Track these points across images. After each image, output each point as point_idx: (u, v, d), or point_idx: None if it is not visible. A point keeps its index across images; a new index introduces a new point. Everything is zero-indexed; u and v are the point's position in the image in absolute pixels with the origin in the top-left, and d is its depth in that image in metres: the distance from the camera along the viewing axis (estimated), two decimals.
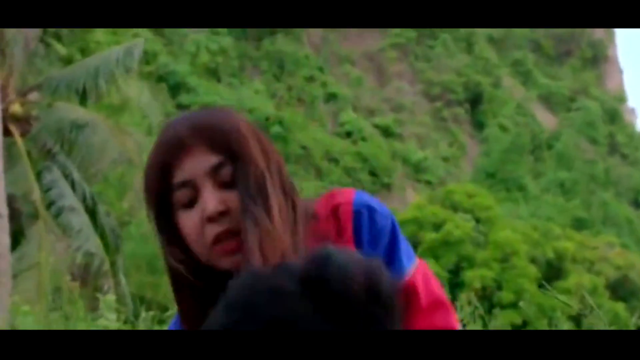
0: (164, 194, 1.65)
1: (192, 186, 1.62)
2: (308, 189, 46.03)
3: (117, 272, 15.09)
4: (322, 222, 1.68)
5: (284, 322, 1.09)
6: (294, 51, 57.64)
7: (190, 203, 1.63)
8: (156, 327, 6.64)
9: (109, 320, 5.85)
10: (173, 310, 6.63)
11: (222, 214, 1.61)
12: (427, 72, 66.22)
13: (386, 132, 58.43)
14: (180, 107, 44.92)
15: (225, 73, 51.62)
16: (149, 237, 26.78)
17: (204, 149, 1.63)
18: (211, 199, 1.61)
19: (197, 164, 1.62)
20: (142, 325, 6.52)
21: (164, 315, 6.82)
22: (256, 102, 49.55)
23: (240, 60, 54.54)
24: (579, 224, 49.37)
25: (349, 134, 54.86)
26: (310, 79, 57.89)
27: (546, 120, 69.52)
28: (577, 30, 76.25)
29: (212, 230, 1.61)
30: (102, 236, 14.87)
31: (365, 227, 1.67)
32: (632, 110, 79.58)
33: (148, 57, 41.82)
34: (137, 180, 15.38)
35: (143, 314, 6.58)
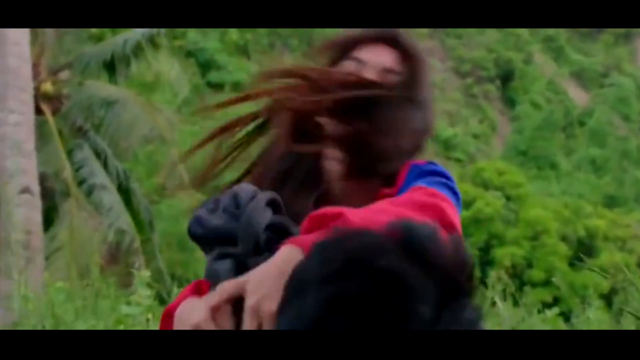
0: (338, 57, 1.80)
1: (361, 66, 1.75)
2: None
3: (152, 249, 15.22)
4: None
5: (390, 274, 1.04)
6: (323, 30, 57.39)
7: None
8: None
9: (142, 297, 5.88)
10: None
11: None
12: (458, 49, 65.80)
13: None
14: (210, 84, 45.02)
15: (255, 50, 51.61)
16: (179, 216, 26.98)
17: (392, 54, 1.76)
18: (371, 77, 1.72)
19: (384, 57, 1.75)
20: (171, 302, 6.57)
21: None
22: None
23: (269, 37, 54.49)
24: (611, 202, 49.01)
25: None
26: None
27: (578, 97, 68.91)
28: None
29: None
30: (134, 214, 14.98)
31: (415, 170, 1.77)
32: None
33: (177, 34, 41.89)
34: (168, 159, 15.44)
35: (175, 290, 6.62)
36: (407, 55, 1.78)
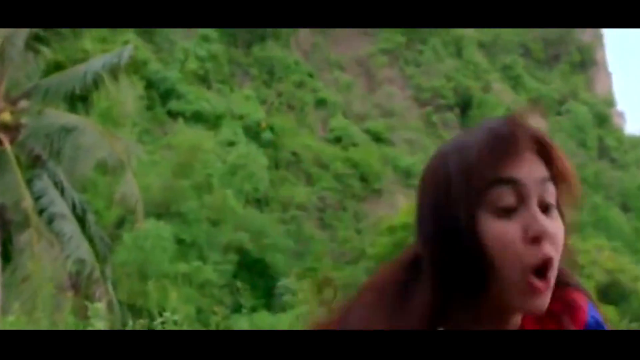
0: (480, 187, 1.36)
1: (519, 191, 1.36)
2: (299, 195, 45.99)
3: (106, 281, 15.06)
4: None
5: None
6: (283, 57, 57.60)
7: (507, 211, 1.36)
8: None
9: (97, 328, 5.81)
10: (162, 318, 6.58)
11: (547, 238, 1.36)
12: (417, 77, 66.25)
13: (376, 137, 58.42)
14: (170, 113, 44.85)
15: (215, 79, 51.56)
16: (141, 246, 26.76)
17: (534, 156, 1.42)
18: (541, 215, 1.36)
19: (531, 169, 1.39)
20: None
21: (152, 323, 6.79)
22: (246, 108, 49.47)
23: (229, 66, 54.47)
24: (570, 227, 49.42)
25: (339, 140, 54.82)
26: (300, 85, 57.84)
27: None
28: (566, 35, 76.49)
29: (538, 252, 1.34)
30: (92, 244, 14.83)
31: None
32: (621, 114, 79.81)
33: (138, 65, 41.75)
34: (125, 187, 15.32)
35: (130, 322, 6.56)
36: (549, 155, 1.44)
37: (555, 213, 1.39)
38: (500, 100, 68.61)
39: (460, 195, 1.36)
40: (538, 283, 1.34)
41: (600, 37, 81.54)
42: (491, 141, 1.38)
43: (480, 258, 1.34)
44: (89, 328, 5.84)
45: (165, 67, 46.58)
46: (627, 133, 76.79)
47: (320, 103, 58.15)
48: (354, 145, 54.44)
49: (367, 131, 58.39)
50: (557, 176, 1.42)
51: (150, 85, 43.97)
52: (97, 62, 14.64)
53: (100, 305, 6.00)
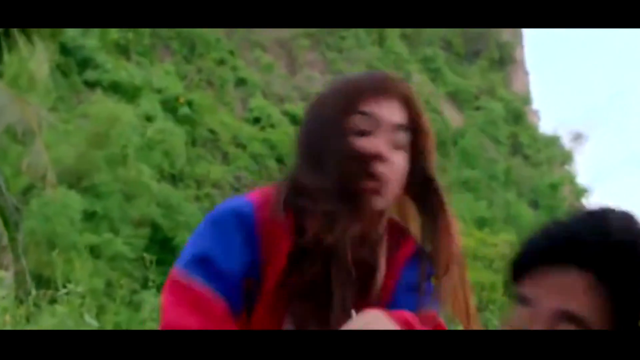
0: (343, 112, 1.73)
1: (375, 124, 1.71)
2: (215, 173, 45.77)
3: (16, 249, 14.75)
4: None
5: None
6: (205, 33, 57.11)
7: (362, 134, 1.71)
8: (47, 306, 6.51)
9: None
10: (68, 288, 6.47)
11: (384, 161, 1.69)
12: (338, 63, 66.48)
13: (295, 120, 58.45)
14: (87, 83, 44.04)
15: (135, 51, 50.83)
16: (50, 215, 26.27)
17: (398, 104, 1.75)
18: (385, 144, 1.70)
19: (391, 111, 1.73)
20: (30, 304, 6.39)
21: (56, 294, 6.71)
22: (165, 82, 48.94)
23: (151, 39, 53.76)
24: (481, 222, 50.40)
25: (257, 120, 54.72)
26: (220, 63, 57.48)
27: (453, 117, 70.67)
28: (486, 32, 77.68)
29: (374, 165, 1.68)
30: (1, 212, 14.50)
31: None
32: (536, 112, 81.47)
33: (55, 30, 40.81)
34: (34, 157, 14.98)
35: (33, 292, 6.45)
36: (412, 109, 1.78)
37: (402, 154, 1.74)
38: (420, 90, 69.30)
39: (327, 118, 1.73)
40: (365, 185, 1.66)
41: (519, 36, 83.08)
42: (363, 80, 1.73)
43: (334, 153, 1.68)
44: None
45: (84, 34, 45.67)
46: (541, 131, 78.47)
47: (240, 82, 57.89)
48: (272, 126, 54.40)
49: (286, 113, 58.40)
50: (415, 128, 1.76)
51: (67, 52, 43.08)
52: None
53: (4, 274, 5.83)
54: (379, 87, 1.74)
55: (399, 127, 1.74)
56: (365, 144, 1.69)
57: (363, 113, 1.72)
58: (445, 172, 63.65)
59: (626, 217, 1.30)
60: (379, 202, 1.69)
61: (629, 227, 1.27)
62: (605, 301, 1.26)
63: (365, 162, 1.67)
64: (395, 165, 1.71)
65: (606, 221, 1.28)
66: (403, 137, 1.74)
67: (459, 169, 63.03)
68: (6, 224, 14.32)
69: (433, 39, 75.74)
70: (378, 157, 1.68)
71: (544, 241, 1.35)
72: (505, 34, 79.73)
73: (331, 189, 1.66)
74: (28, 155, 14.97)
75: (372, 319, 1.38)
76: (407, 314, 1.49)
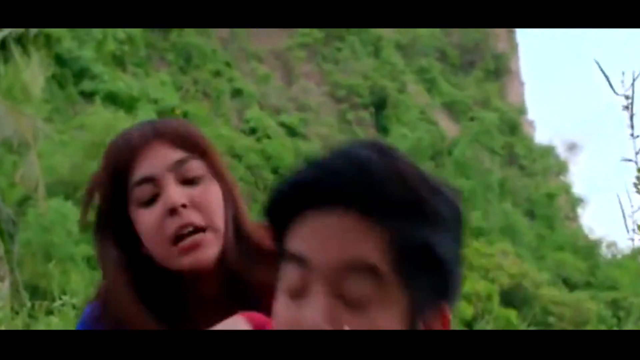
0: (118, 193, 1.59)
1: (154, 182, 1.57)
2: None
3: (12, 261, 14.71)
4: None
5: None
6: (201, 45, 57.20)
7: (151, 200, 1.58)
8: (43, 318, 6.51)
9: None
10: (63, 300, 6.46)
11: (185, 207, 1.56)
12: (334, 74, 66.60)
13: (291, 131, 58.55)
14: (83, 94, 44.07)
15: (131, 62, 50.88)
16: (46, 226, 26.26)
17: (167, 145, 1.60)
18: (174, 191, 1.56)
19: (160, 159, 1.58)
20: (26, 315, 6.39)
21: (52, 305, 6.69)
22: (161, 93, 48.99)
23: (147, 50, 53.84)
24: (476, 232, 50.42)
25: (253, 131, 54.75)
26: (216, 74, 57.56)
27: (449, 128, 70.77)
28: (482, 42, 77.88)
29: (174, 223, 1.56)
30: None
31: None
32: (532, 123, 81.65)
33: (51, 41, 40.84)
34: (27, 169, 14.97)
35: (28, 303, 6.43)
36: (184, 139, 1.63)
37: (205, 182, 1.60)
38: (415, 101, 69.46)
39: (110, 196, 1.61)
40: (182, 246, 1.54)
41: (515, 47, 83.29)
42: (114, 150, 1.62)
43: (135, 243, 1.59)
44: None
45: (81, 45, 45.73)
46: (536, 142, 78.59)
47: (236, 93, 57.96)
48: (268, 137, 54.44)
49: (282, 124, 58.47)
50: (201, 153, 1.61)
51: (63, 63, 43.11)
52: (4, 31, 14.18)
53: (1, 285, 5.84)
54: (139, 146, 1.59)
55: (178, 162, 1.59)
56: (155, 212, 1.57)
57: (137, 182, 1.58)
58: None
59: (382, 150, 1.11)
60: (209, 252, 1.58)
61: (387, 161, 1.10)
62: (388, 244, 1.08)
63: (167, 220, 1.57)
64: (201, 200, 1.59)
65: (363, 155, 1.09)
66: (192, 168, 1.60)
67: (454, 179, 63.07)
68: (2, 235, 14.30)
69: (428, 50, 75.90)
70: (172, 208, 1.56)
71: (302, 181, 1.11)
72: (501, 44, 79.93)
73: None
74: (22, 166, 14.95)
75: (232, 322, 1.32)
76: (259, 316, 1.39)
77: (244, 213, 1.69)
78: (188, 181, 1.59)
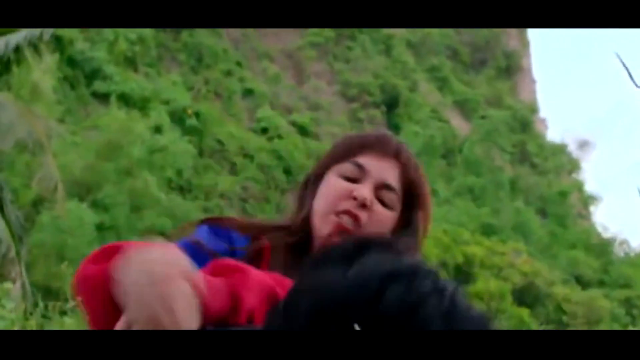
0: (336, 161, 1.83)
1: (363, 177, 1.78)
2: (223, 184, 45.80)
3: (21, 262, 14.73)
4: None
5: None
6: (212, 44, 57.23)
7: (349, 179, 1.79)
8: (56, 318, 6.52)
9: (6, 309, 5.66)
10: (76, 301, 6.51)
11: (365, 207, 1.75)
12: (345, 73, 66.53)
13: (302, 130, 58.53)
14: (95, 94, 44.15)
15: (143, 63, 50.96)
16: (60, 227, 26.32)
17: (397, 170, 1.80)
18: (370, 192, 1.76)
19: (385, 171, 1.78)
20: (39, 315, 6.40)
21: (65, 306, 6.71)
22: (173, 93, 49.04)
23: (158, 50, 53.90)
24: (488, 230, 50.29)
25: (265, 131, 54.73)
26: (228, 74, 57.57)
27: (460, 126, 70.62)
28: (493, 40, 77.69)
29: (350, 205, 1.74)
30: (8, 224, 14.49)
31: None
32: (544, 121, 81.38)
33: (64, 43, 40.99)
34: (45, 168, 15.00)
35: (41, 304, 6.45)
36: (408, 175, 1.83)
37: (387, 210, 1.79)
38: (426, 100, 69.35)
39: (324, 162, 1.85)
40: (340, 222, 1.74)
41: (526, 45, 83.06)
42: (367, 137, 1.86)
43: (308, 199, 1.82)
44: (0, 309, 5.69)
45: (92, 47, 45.82)
46: (548, 139, 78.34)
47: (248, 93, 57.97)
48: (280, 137, 54.43)
49: (293, 124, 58.44)
50: (408, 194, 1.81)
51: (75, 64, 43.21)
52: (19, 35, 14.22)
53: (12, 286, 5.85)
54: (380, 146, 1.83)
55: (387, 186, 1.79)
56: (350, 186, 1.78)
57: (356, 163, 1.79)
58: (452, 180, 63.64)
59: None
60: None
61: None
62: None
63: (348, 200, 1.76)
64: (375, 217, 1.76)
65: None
66: (391, 197, 1.79)
67: (466, 177, 62.95)
68: (13, 236, 14.33)
69: (439, 48, 75.76)
70: (359, 201, 1.75)
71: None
72: (512, 42, 79.73)
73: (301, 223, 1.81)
74: (38, 168, 14.98)
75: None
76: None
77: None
78: (380, 200, 1.78)
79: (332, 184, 1.79)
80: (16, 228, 14.78)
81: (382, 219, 1.77)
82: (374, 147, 1.82)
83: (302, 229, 1.81)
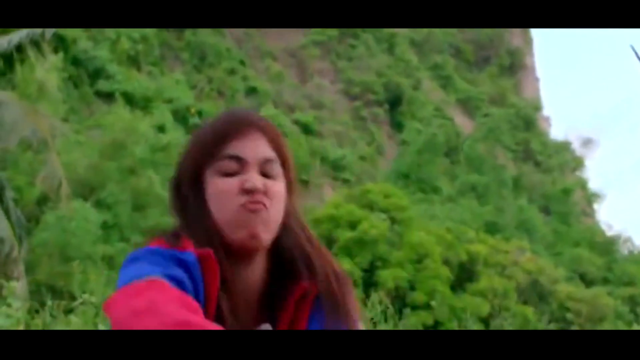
0: (206, 160, 1.82)
1: (241, 162, 1.80)
2: None
3: (32, 259, 14.77)
4: None
5: None
6: (215, 43, 57.26)
7: (232, 174, 1.81)
8: (61, 317, 6.53)
9: (13, 308, 5.67)
10: (81, 299, 6.49)
11: (261, 192, 1.79)
12: (348, 71, 66.54)
13: (306, 128, 58.54)
14: (98, 94, 44.19)
15: (146, 61, 50.99)
16: (65, 227, 26.34)
17: (264, 139, 1.85)
18: (257, 178, 1.80)
19: (256, 149, 1.83)
20: (46, 314, 6.41)
21: (71, 304, 6.73)
22: (176, 92, 49.06)
23: (161, 49, 53.94)
24: (492, 228, 50.25)
25: None
26: (231, 72, 57.59)
27: (464, 124, 70.58)
28: (496, 38, 77.65)
29: (248, 197, 1.78)
30: (10, 222, 14.51)
31: None
32: (547, 119, 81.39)
33: (67, 42, 41.01)
34: (49, 166, 15.02)
35: (49, 302, 6.46)
36: (275, 139, 1.89)
37: (278, 182, 1.84)
38: (430, 98, 69.33)
39: (192, 165, 1.84)
40: (248, 202, 1.77)
41: (530, 43, 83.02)
42: (221, 125, 1.84)
43: (201, 207, 1.82)
44: (5, 307, 5.70)
45: (95, 46, 45.86)
46: (552, 137, 78.32)
47: (251, 91, 58.01)
48: (283, 135, 54.36)
49: (297, 122, 58.46)
50: (283, 161, 1.87)
51: (78, 63, 43.25)
52: (21, 33, 14.22)
53: (17, 284, 5.86)
54: (238, 127, 1.84)
55: (267, 160, 1.84)
56: (237, 181, 1.80)
57: (230, 157, 1.81)
58: (455, 178, 63.59)
59: None
60: (265, 236, 1.80)
61: None
62: None
63: (243, 195, 1.79)
64: (273, 194, 1.82)
65: None
66: (274, 167, 1.85)
67: (469, 175, 62.91)
68: (16, 236, 14.34)
69: (442, 46, 75.73)
70: (253, 190, 1.79)
71: None
72: (516, 40, 79.68)
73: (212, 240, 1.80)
74: (42, 167, 14.99)
75: None
76: None
77: (298, 211, 1.94)
78: (267, 175, 1.82)
79: (220, 187, 1.80)
80: (18, 228, 14.81)
81: (278, 190, 1.83)
82: (234, 131, 1.83)
83: (210, 237, 1.80)
